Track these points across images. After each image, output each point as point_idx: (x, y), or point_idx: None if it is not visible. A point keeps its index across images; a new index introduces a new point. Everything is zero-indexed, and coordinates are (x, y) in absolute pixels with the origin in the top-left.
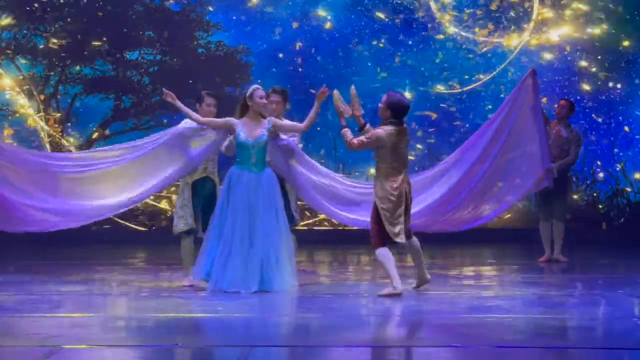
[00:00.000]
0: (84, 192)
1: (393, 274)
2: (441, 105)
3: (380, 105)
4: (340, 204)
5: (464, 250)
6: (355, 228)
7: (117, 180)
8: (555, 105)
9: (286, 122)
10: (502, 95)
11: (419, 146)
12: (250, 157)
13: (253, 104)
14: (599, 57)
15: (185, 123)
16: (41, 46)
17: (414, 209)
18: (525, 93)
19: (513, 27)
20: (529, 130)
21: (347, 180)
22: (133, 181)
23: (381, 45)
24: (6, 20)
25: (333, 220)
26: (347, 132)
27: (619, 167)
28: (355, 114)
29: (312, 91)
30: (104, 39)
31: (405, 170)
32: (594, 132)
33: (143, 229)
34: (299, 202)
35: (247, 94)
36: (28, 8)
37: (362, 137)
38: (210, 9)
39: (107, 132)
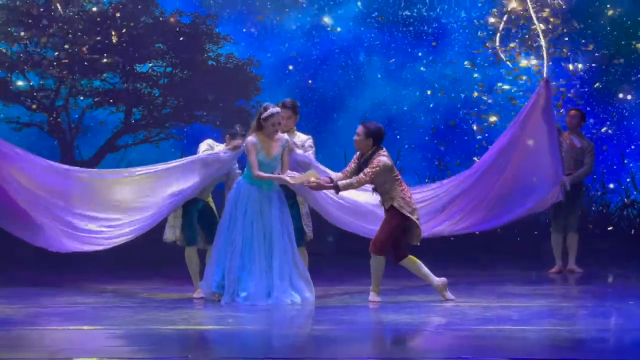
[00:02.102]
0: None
1: (379, 282)
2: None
3: (356, 138)
4: (363, 219)
5: (474, 260)
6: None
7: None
8: (560, 111)
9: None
10: (514, 105)
11: (429, 157)
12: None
13: (265, 127)
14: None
15: (205, 145)
16: (51, 59)
17: (429, 221)
18: (538, 103)
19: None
20: (542, 141)
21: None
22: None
23: (391, 57)
24: (17, 33)
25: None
26: (344, 182)
27: (628, 178)
28: (317, 182)
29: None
30: (114, 51)
31: None
32: (604, 143)
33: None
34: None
35: (263, 116)
36: (38, 21)
37: (367, 171)
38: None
39: (117, 144)
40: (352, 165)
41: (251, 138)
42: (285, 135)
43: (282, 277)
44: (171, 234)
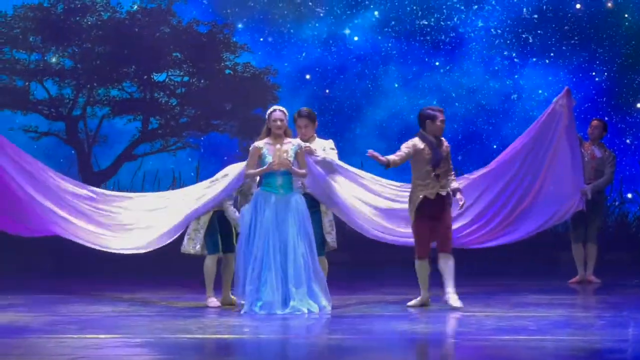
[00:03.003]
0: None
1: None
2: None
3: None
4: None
5: (490, 269)
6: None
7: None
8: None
9: (305, 161)
10: (532, 113)
11: None
12: (276, 180)
13: (270, 127)
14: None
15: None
16: (69, 68)
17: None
18: (560, 114)
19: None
20: (563, 152)
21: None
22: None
23: (408, 66)
24: (35, 42)
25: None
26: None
27: None
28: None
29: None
30: (132, 61)
31: None
32: (621, 153)
33: None
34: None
35: (267, 116)
36: (56, 30)
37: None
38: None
39: (134, 153)
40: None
41: (257, 142)
42: (299, 140)
43: (298, 285)
44: (190, 246)
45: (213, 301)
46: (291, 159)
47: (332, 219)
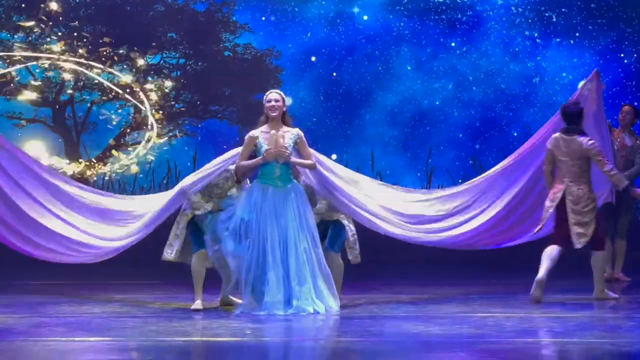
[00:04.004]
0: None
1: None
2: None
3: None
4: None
5: (510, 268)
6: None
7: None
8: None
9: (308, 150)
10: (555, 98)
11: (463, 155)
12: (273, 171)
13: (265, 108)
14: None
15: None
16: (56, 50)
17: (463, 228)
18: (586, 98)
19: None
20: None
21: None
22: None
23: (422, 47)
24: (19, 22)
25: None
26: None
27: None
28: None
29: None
30: (123, 42)
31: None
32: None
33: None
34: None
35: (263, 99)
36: (42, 9)
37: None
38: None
39: (125, 141)
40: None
41: (253, 131)
42: (298, 130)
43: (301, 283)
44: (168, 253)
45: (197, 304)
46: (289, 146)
47: (355, 233)
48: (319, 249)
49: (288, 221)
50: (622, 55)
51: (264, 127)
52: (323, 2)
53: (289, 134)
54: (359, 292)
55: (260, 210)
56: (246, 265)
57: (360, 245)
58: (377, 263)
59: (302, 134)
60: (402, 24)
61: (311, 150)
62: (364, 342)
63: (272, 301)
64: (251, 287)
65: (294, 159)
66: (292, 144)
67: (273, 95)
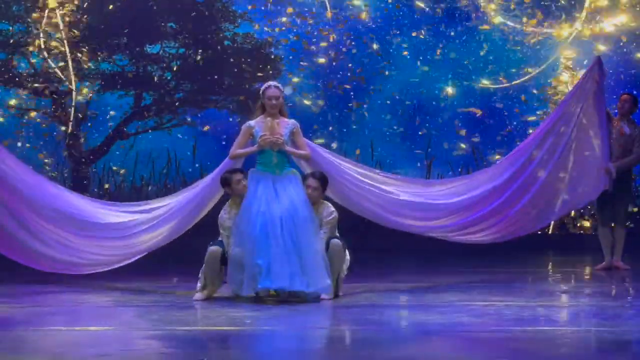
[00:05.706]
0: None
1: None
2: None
3: None
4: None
5: (512, 257)
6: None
7: None
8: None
9: (303, 140)
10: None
11: (462, 145)
12: (271, 158)
13: (265, 104)
14: None
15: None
16: (55, 39)
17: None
18: (590, 85)
19: (564, 16)
20: (591, 127)
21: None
22: None
23: (421, 36)
24: (18, 12)
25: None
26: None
27: None
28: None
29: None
30: (123, 31)
31: None
32: None
33: None
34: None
35: (262, 92)
36: None
37: None
38: None
39: (126, 131)
40: None
41: (249, 121)
42: (294, 121)
43: (298, 267)
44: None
45: (202, 294)
46: (284, 135)
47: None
48: (318, 235)
49: (284, 202)
50: (620, 44)
51: (261, 118)
52: None
53: (285, 123)
54: (357, 280)
55: (261, 195)
56: (248, 246)
57: (361, 234)
58: (377, 251)
59: (298, 125)
60: (401, 12)
61: (305, 140)
62: (363, 330)
63: (274, 277)
64: (253, 275)
65: (288, 148)
66: (287, 133)
67: (273, 91)
